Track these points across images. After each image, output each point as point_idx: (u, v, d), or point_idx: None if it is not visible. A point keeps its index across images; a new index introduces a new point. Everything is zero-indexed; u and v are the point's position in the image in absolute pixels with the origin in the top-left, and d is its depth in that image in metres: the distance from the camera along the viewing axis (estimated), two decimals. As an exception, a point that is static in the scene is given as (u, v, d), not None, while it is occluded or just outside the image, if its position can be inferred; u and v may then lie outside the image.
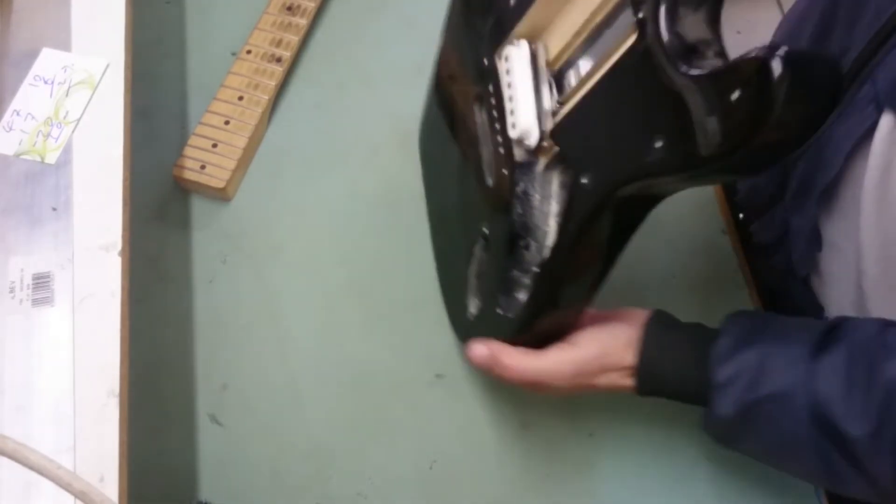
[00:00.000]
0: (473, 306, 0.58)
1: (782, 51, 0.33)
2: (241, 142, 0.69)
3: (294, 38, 0.73)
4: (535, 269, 0.49)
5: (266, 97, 0.71)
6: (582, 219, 0.44)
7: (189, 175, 0.67)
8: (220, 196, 0.69)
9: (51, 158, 0.58)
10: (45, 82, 0.61)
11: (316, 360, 0.64)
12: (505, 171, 0.49)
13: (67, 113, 0.59)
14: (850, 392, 0.47)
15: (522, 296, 0.51)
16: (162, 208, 0.69)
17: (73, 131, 0.59)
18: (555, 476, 0.62)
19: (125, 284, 0.54)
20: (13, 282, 0.54)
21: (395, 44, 0.77)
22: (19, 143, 0.58)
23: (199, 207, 0.69)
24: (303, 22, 0.74)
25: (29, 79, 0.61)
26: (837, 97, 0.36)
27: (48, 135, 0.59)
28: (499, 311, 0.53)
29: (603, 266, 0.48)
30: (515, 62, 0.47)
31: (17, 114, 0.59)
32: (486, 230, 0.54)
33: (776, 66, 0.33)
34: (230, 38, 0.75)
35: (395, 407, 0.63)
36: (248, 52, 0.72)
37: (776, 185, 0.64)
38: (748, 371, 0.50)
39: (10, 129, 0.59)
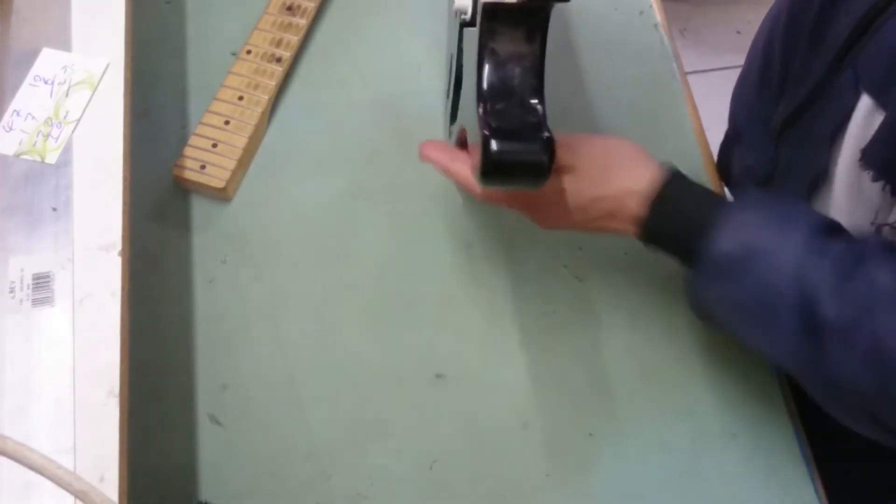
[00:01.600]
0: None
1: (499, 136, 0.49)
2: (241, 142, 0.69)
3: (294, 38, 0.73)
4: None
5: (266, 97, 0.71)
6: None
7: (189, 175, 0.67)
8: (220, 196, 0.69)
9: (51, 158, 0.58)
10: (45, 82, 0.61)
11: (316, 360, 0.64)
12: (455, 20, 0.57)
13: (67, 113, 0.59)
14: (837, 279, 0.48)
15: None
16: (162, 208, 0.69)
17: (73, 131, 0.59)
18: (555, 476, 0.62)
19: (125, 284, 0.54)
20: (13, 282, 0.54)
21: (395, 44, 0.77)
22: (19, 143, 0.58)
23: (199, 207, 0.69)
24: (303, 22, 0.74)
25: (29, 79, 0.61)
26: (546, 166, 0.50)
27: (48, 135, 0.59)
28: (449, 137, 0.65)
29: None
30: None
31: (17, 114, 0.59)
32: (452, 53, 0.62)
33: (493, 145, 0.49)
34: (230, 38, 0.75)
35: (395, 407, 0.63)
36: (249, 52, 0.72)
37: (767, 168, 0.65)
38: (760, 221, 0.52)
39: (10, 129, 0.59)
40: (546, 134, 0.50)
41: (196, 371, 0.63)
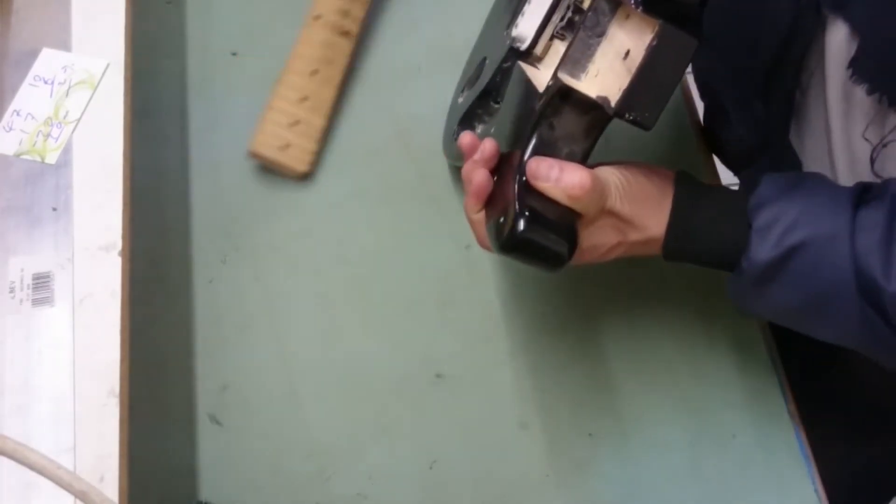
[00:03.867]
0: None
1: (527, 215, 0.48)
2: (320, 122, 0.66)
3: (359, 14, 0.70)
4: (487, 118, 0.62)
5: (339, 76, 0.67)
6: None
7: (271, 154, 0.65)
8: (298, 177, 0.67)
9: (51, 158, 0.58)
10: (46, 82, 0.61)
11: (316, 359, 0.64)
12: (507, 41, 0.56)
13: (67, 113, 0.59)
14: (889, 246, 0.46)
15: (479, 129, 0.62)
16: (162, 208, 0.69)
17: (73, 131, 0.59)
18: (555, 476, 0.62)
19: (125, 284, 0.54)
20: (13, 282, 0.54)
21: (395, 44, 0.77)
22: (19, 144, 0.58)
23: (200, 207, 0.69)
24: None
25: (29, 79, 0.61)
26: (565, 261, 0.50)
27: (48, 135, 0.59)
28: (454, 137, 0.63)
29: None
30: None
31: (18, 114, 0.59)
32: (486, 58, 0.63)
33: (521, 225, 0.48)
34: (230, 38, 0.75)
35: (395, 407, 0.63)
36: (317, 17, 0.68)
37: (757, 138, 0.64)
38: (789, 214, 0.49)
39: (10, 129, 0.59)
40: (574, 229, 0.49)
41: (196, 371, 0.63)
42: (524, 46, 0.51)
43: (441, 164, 0.72)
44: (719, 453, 0.63)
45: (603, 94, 0.48)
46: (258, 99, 0.73)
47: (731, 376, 0.65)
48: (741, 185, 0.73)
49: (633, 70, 0.47)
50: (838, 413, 0.73)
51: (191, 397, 0.62)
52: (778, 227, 0.49)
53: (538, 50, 0.51)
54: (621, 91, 0.47)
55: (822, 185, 0.51)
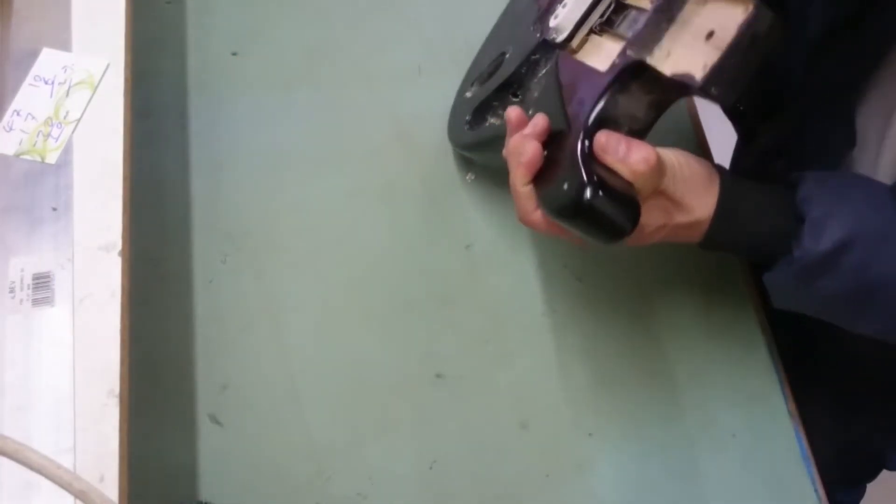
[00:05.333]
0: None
1: (595, 182, 0.48)
2: None
3: None
4: (502, 112, 0.61)
5: None
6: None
7: None
8: None
9: (51, 158, 0.58)
10: (46, 82, 0.61)
11: (316, 360, 0.64)
12: (537, 34, 0.59)
13: (68, 113, 0.59)
14: None
15: (492, 120, 0.64)
16: (162, 208, 0.69)
17: (73, 131, 0.59)
18: (555, 476, 0.62)
19: (125, 284, 0.54)
20: (13, 282, 0.54)
21: (395, 44, 0.77)
22: (19, 143, 0.58)
23: (200, 207, 0.69)
24: None
25: (29, 79, 0.61)
26: (627, 235, 0.49)
27: (48, 135, 0.59)
28: (465, 126, 0.66)
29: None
30: None
31: (18, 114, 0.59)
32: (506, 53, 0.65)
33: (588, 192, 0.48)
34: (230, 38, 0.75)
35: (395, 407, 0.63)
36: None
37: (781, 85, 0.63)
38: (842, 211, 0.50)
39: (11, 129, 0.59)
40: (638, 204, 0.49)
41: (196, 371, 0.63)
42: (561, 38, 0.53)
43: (441, 164, 0.72)
44: (719, 453, 0.63)
45: (683, 70, 0.48)
46: (258, 99, 0.73)
47: (731, 376, 0.66)
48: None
49: (723, 48, 0.47)
50: (826, 388, 0.74)
51: (191, 397, 0.62)
52: (832, 221, 0.50)
53: (574, 43, 0.54)
54: (708, 67, 0.47)
55: (868, 185, 0.52)
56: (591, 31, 0.54)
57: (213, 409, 0.62)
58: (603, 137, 0.50)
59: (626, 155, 0.49)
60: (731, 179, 0.53)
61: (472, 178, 0.72)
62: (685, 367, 0.66)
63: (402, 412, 0.63)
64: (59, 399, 0.50)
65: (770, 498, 0.62)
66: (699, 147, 0.74)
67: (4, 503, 0.47)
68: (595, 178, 0.48)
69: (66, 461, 0.48)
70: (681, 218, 0.53)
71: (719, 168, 0.54)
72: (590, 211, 0.48)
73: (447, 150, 0.72)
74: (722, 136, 0.80)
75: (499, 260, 0.69)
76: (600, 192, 0.48)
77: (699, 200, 0.53)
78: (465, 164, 0.72)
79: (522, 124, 0.54)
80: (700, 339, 0.67)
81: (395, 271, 0.68)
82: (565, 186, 0.49)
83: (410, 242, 0.69)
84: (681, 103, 0.75)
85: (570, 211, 0.49)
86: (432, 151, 0.72)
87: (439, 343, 0.65)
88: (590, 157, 0.50)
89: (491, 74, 0.66)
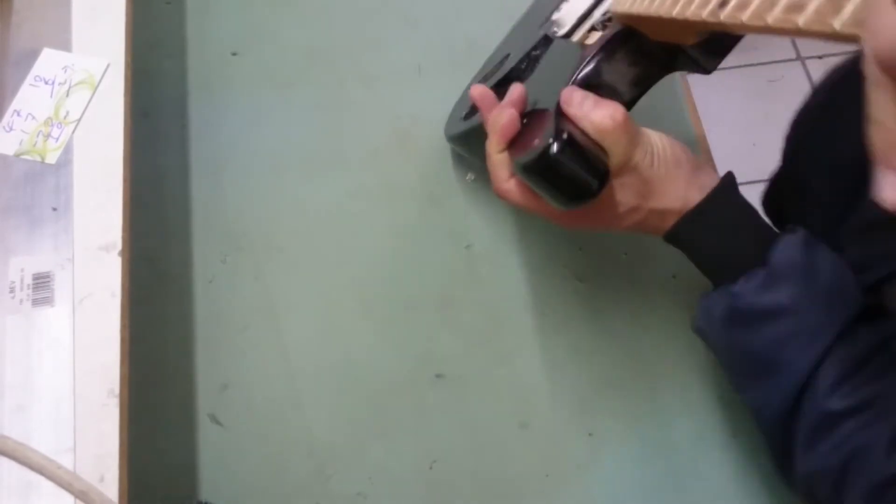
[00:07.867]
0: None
1: (564, 137, 0.47)
2: None
3: None
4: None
5: None
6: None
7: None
8: None
9: (51, 158, 0.58)
10: (46, 82, 0.61)
11: (316, 360, 0.64)
12: (540, 30, 0.59)
13: (68, 113, 0.59)
14: (841, 386, 0.46)
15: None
16: (162, 208, 0.69)
17: (73, 131, 0.59)
18: (555, 476, 0.62)
19: (125, 284, 0.54)
20: (13, 282, 0.54)
21: (395, 44, 0.77)
22: (20, 144, 0.58)
23: (200, 207, 0.69)
24: None
25: (29, 79, 0.61)
26: (592, 196, 0.48)
27: (48, 135, 0.59)
28: (461, 119, 0.65)
29: None
30: None
31: (18, 114, 0.59)
32: (510, 54, 0.65)
33: (555, 147, 0.47)
34: (230, 38, 0.75)
35: (395, 407, 0.63)
36: None
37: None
38: (796, 283, 0.49)
39: (11, 129, 0.59)
40: (607, 167, 0.49)
41: (196, 371, 0.63)
42: (561, 33, 0.53)
43: (441, 164, 0.72)
44: (719, 453, 0.63)
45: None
46: (258, 99, 0.73)
47: (731, 376, 0.65)
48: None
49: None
50: None
51: (191, 397, 0.62)
52: (782, 283, 0.49)
53: (575, 38, 0.54)
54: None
55: (836, 275, 0.50)
56: (593, 28, 0.54)
57: (213, 409, 0.62)
58: (569, 91, 0.49)
59: (591, 109, 0.48)
60: (732, 188, 0.53)
61: (472, 178, 0.72)
62: (685, 367, 0.66)
63: (402, 412, 0.63)
64: (59, 399, 0.50)
65: (770, 498, 0.62)
66: (703, 153, 0.74)
67: (4, 503, 0.47)
68: (566, 134, 0.48)
69: (66, 461, 0.48)
70: (654, 203, 0.52)
71: (727, 176, 0.53)
72: (556, 165, 0.48)
73: (447, 150, 0.72)
74: (723, 140, 0.81)
75: (499, 260, 0.69)
76: (568, 147, 0.47)
77: (677, 190, 0.52)
78: (465, 164, 0.72)
79: (486, 99, 0.56)
80: (700, 338, 0.66)
81: (394, 271, 0.68)
82: (536, 142, 0.49)
83: (410, 242, 0.69)
84: (683, 111, 0.75)
85: (537, 164, 0.48)
86: (432, 151, 0.72)
87: (439, 343, 0.65)
88: (563, 115, 0.50)
89: (492, 75, 0.66)
